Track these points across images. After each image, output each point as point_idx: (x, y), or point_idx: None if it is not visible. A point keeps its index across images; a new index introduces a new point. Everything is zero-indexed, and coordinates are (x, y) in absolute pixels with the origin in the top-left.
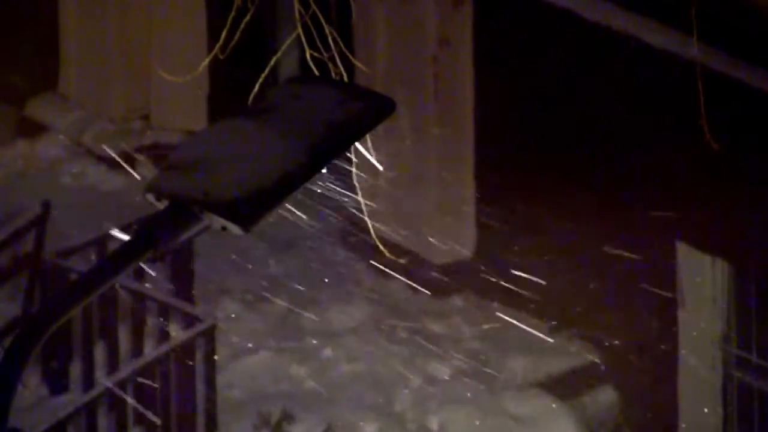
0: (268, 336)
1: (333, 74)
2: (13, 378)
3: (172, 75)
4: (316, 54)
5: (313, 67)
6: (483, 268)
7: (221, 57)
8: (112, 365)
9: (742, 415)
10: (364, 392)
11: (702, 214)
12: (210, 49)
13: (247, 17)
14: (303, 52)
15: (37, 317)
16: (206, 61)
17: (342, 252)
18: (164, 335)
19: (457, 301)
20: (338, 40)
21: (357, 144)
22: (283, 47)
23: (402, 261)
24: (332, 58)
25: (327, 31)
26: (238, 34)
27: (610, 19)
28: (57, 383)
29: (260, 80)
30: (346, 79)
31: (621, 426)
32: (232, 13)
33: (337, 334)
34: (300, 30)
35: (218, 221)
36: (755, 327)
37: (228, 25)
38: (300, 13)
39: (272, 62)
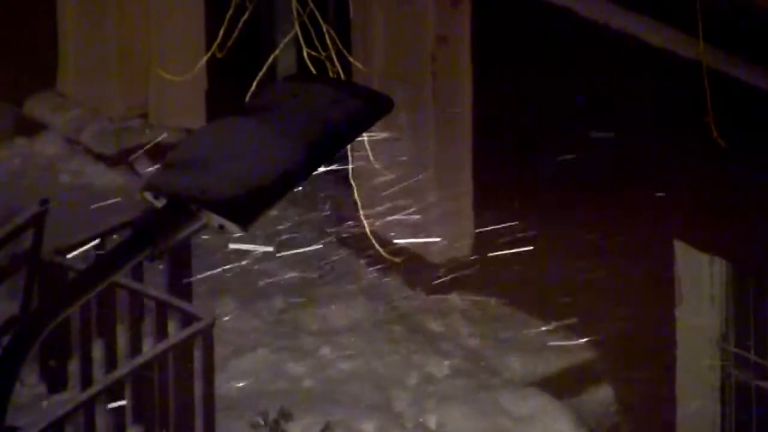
0: (266, 334)
1: (330, 73)
2: (11, 376)
3: (170, 74)
4: (313, 53)
5: (311, 66)
6: (481, 266)
7: (219, 55)
8: (111, 363)
9: (740, 414)
10: (362, 390)
11: (700, 212)
12: (208, 47)
13: (246, 15)
14: (301, 50)
15: (35, 315)
16: (204, 60)
17: (340, 250)
18: (162, 333)
19: (455, 299)
20: (335, 38)
21: (354, 142)
22: (281, 45)
23: (397, 260)
24: (329, 57)
25: (324, 29)
26: (236, 32)
27: (609, 18)
28: (55, 381)
29: (257, 79)
30: (343, 77)
31: (619, 424)
32: (230, 12)
33: (335, 332)
34: (297, 28)
35: (216, 219)
36: (753, 325)
37: (225, 23)
38: (297, 11)
39: (270, 60)
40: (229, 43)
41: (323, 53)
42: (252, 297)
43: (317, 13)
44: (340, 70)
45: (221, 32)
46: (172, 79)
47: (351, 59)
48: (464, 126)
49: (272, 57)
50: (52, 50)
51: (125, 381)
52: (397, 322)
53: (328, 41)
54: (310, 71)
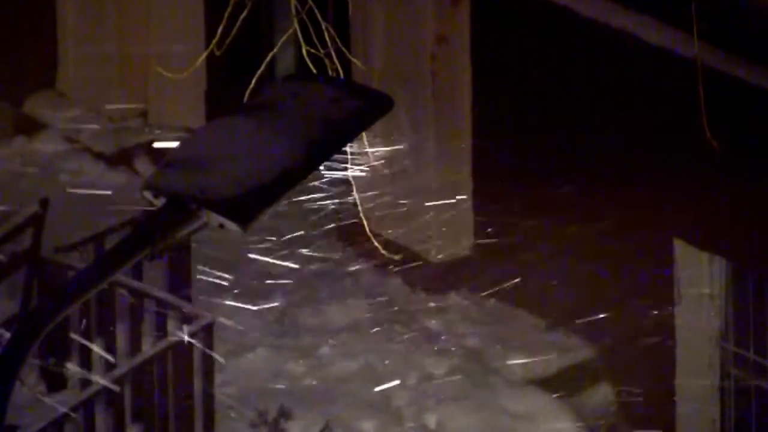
0: (265, 333)
1: (329, 70)
2: (11, 375)
3: (170, 73)
4: (312, 50)
5: (310, 64)
6: (481, 265)
7: (218, 53)
8: (110, 363)
9: (739, 413)
10: (361, 389)
11: (699, 210)
12: (208, 46)
13: (244, 13)
14: (300, 48)
15: (34, 314)
16: (202, 58)
17: (340, 249)
18: (162, 333)
19: (454, 298)
20: (335, 36)
21: (354, 141)
22: (279, 43)
23: (396, 257)
24: (329, 55)
25: (323, 27)
26: (234, 30)
27: (608, 17)
28: (55, 380)
29: (256, 76)
30: (342, 75)
31: (618, 423)
32: (229, 9)
33: (335, 331)
34: (296, 26)
35: (216, 219)
36: (752, 324)
37: (224, 21)
38: (296, 9)
39: (268, 58)
40: (228, 41)
41: (322, 51)
42: (252, 296)
43: (316, 11)
44: (339, 68)
45: (219, 30)
46: (171, 77)
47: (350, 57)
48: (464, 125)
49: (270, 55)
50: (52, 50)
51: (125, 380)
52: (396, 321)
53: (327, 39)
54: (310, 70)
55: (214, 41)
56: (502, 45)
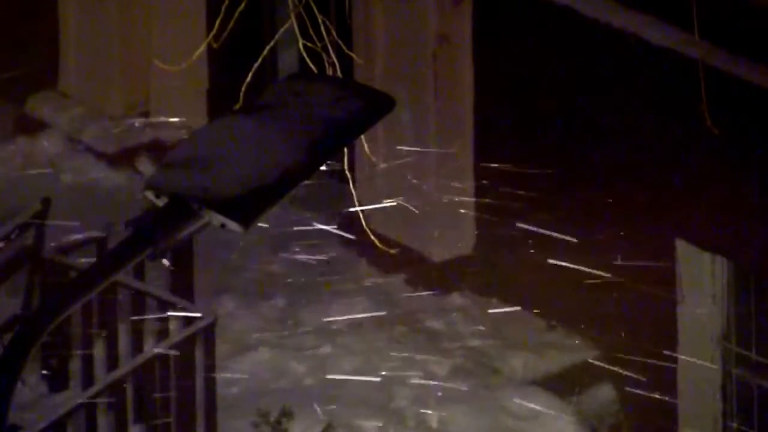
0: (267, 333)
1: (326, 64)
2: (13, 375)
3: (171, 75)
4: (309, 44)
5: (307, 58)
6: (482, 265)
7: (215, 45)
8: (112, 363)
9: (741, 412)
10: (363, 389)
11: (702, 210)
12: (210, 45)
13: (242, 6)
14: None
15: (36, 314)
16: (200, 50)
17: (341, 249)
18: (164, 333)
19: (456, 298)
20: (331, 29)
21: (356, 141)
22: (276, 37)
23: (392, 251)
24: (325, 48)
25: (320, 20)
26: (232, 22)
27: (610, 17)
28: (56, 381)
29: (252, 71)
30: (338, 68)
31: (620, 423)
32: (226, 2)
33: (337, 331)
34: (293, 20)
35: (217, 218)
36: (755, 324)
37: (222, 14)
38: (293, 3)
39: (264, 52)
40: (225, 34)
41: (318, 44)
42: (253, 296)
43: (313, 5)
44: (336, 61)
45: (217, 22)
46: (169, 69)
47: (346, 50)
48: (465, 125)
49: (267, 49)
50: (54, 49)
51: (126, 380)
52: (398, 321)
53: (324, 32)
54: (309, 66)
55: (212, 33)
56: (504, 45)
